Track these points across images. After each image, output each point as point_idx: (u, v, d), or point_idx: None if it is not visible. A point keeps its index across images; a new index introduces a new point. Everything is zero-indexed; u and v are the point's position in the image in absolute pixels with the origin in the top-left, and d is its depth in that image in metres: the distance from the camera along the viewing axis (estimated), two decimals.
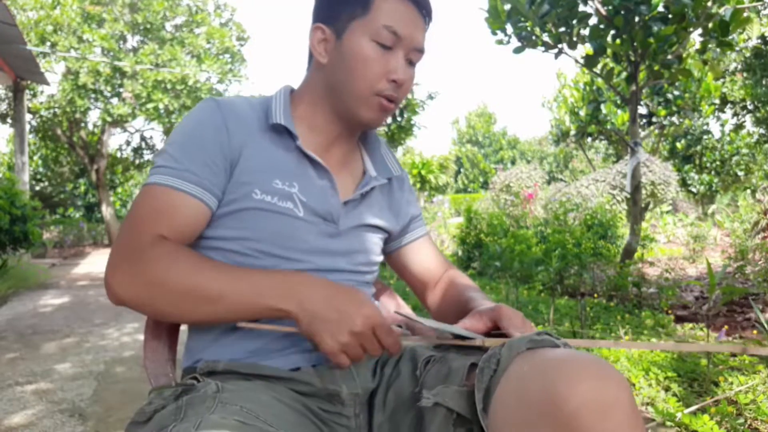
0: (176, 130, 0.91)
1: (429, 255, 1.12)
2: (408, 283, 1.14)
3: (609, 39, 3.90)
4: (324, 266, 0.90)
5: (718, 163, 12.75)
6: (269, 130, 0.92)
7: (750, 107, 11.78)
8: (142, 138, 15.04)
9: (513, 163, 34.37)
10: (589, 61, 4.08)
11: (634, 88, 4.04)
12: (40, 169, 16.55)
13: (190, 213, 0.85)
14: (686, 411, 1.87)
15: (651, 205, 10.17)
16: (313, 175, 0.92)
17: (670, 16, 3.59)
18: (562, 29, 3.94)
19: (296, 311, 0.77)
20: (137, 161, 15.22)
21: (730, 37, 3.59)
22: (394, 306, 1.23)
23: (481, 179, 33.50)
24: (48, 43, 11.30)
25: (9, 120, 12.51)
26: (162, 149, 0.90)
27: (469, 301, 0.96)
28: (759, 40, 7.31)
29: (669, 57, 3.81)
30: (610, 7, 3.68)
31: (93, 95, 11.86)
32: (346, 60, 0.90)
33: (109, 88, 11.86)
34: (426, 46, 0.96)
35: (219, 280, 0.79)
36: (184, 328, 0.99)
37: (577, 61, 4.24)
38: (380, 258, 1.05)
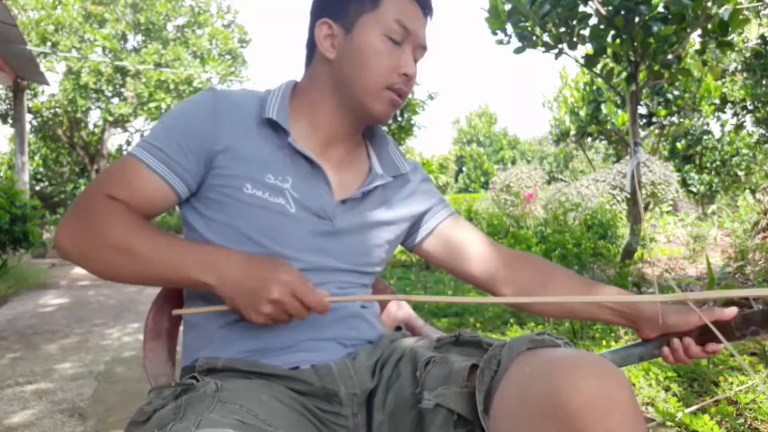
0: (169, 111, 0.94)
1: (468, 232, 1.04)
2: (462, 278, 1.05)
3: (609, 39, 3.90)
4: (316, 264, 0.89)
5: (718, 163, 12.75)
6: (264, 125, 0.91)
7: (750, 107, 11.77)
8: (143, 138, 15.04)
9: (513, 163, 34.34)
10: (589, 61, 4.08)
11: (634, 88, 4.04)
12: (40, 169, 16.53)
13: (152, 192, 0.87)
14: (686, 411, 1.87)
15: (651, 205, 10.17)
16: (306, 172, 0.91)
17: (669, 16, 3.59)
18: (563, 29, 3.94)
19: (217, 284, 0.79)
20: None
21: (730, 38, 3.59)
22: (395, 307, 1.23)
23: (482, 179, 33.49)
24: (49, 43, 11.30)
25: (9, 120, 12.51)
26: (155, 128, 0.92)
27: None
28: (758, 41, 7.31)
29: (669, 57, 3.81)
30: (610, 8, 3.68)
31: (94, 95, 11.86)
32: (358, 55, 0.90)
33: (110, 88, 11.86)
34: (428, 44, 0.96)
35: (150, 244, 0.81)
36: (183, 328, 0.99)
37: (577, 61, 4.24)
38: (386, 256, 1.02)
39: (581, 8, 3.83)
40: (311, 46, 0.96)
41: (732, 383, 2.09)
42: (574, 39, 3.97)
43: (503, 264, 1.01)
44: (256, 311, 0.78)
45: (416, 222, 1.06)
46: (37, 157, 16.10)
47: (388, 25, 0.89)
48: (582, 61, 4.15)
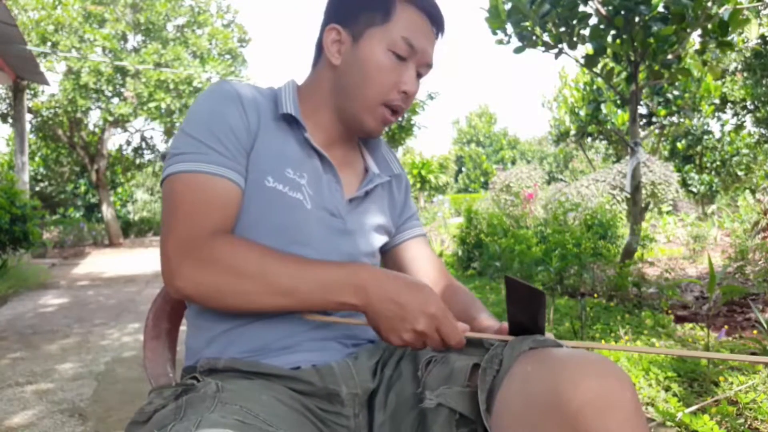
0: (195, 113, 0.88)
1: (424, 256, 1.09)
2: None
3: (609, 39, 3.90)
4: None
5: (718, 163, 12.74)
6: (279, 119, 0.92)
7: (750, 107, 11.77)
8: (143, 138, 15.03)
9: (513, 163, 34.34)
10: (589, 61, 4.08)
11: (634, 88, 4.04)
12: (41, 169, 16.51)
13: (232, 198, 0.85)
14: (686, 411, 1.87)
15: (651, 205, 10.17)
16: (319, 169, 0.93)
17: (669, 16, 3.59)
18: (563, 29, 3.94)
19: (361, 305, 0.79)
20: (138, 161, 15.22)
21: (730, 38, 3.59)
22: None
23: (482, 179, 33.49)
24: (49, 43, 11.28)
25: (9, 120, 12.50)
26: (184, 134, 0.86)
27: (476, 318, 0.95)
28: (758, 41, 7.31)
29: (669, 57, 3.81)
30: (610, 7, 3.68)
31: (94, 95, 11.84)
32: (361, 66, 0.90)
33: (110, 88, 11.84)
34: (434, 61, 0.96)
35: (290, 274, 0.79)
36: (183, 327, 0.99)
37: (577, 61, 4.23)
38: (379, 256, 1.05)
39: (581, 8, 3.82)
40: (319, 47, 0.97)
41: (732, 383, 2.09)
42: (574, 39, 3.97)
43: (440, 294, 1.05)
44: (396, 336, 0.78)
45: (394, 230, 1.09)
46: (37, 157, 16.09)
47: (395, 41, 0.89)
48: (582, 61, 4.15)
